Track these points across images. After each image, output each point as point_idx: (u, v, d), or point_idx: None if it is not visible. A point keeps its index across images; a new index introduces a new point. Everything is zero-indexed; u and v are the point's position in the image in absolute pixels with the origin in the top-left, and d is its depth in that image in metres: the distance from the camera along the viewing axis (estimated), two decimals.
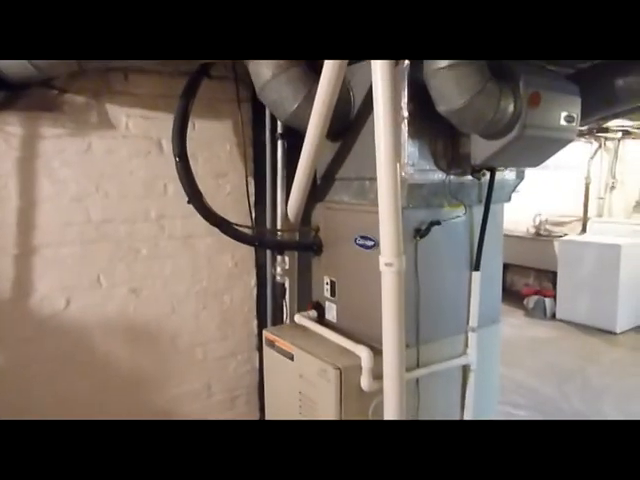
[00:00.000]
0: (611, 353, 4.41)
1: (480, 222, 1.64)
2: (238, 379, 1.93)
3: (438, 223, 1.51)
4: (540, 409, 3.37)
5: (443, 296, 1.62)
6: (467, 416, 1.73)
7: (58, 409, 1.59)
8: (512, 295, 5.88)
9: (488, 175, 1.56)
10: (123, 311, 1.67)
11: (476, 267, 1.66)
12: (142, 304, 1.70)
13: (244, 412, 1.96)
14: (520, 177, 1.75)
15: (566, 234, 5.73)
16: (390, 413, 1.40)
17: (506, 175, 1.70)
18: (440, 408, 1.68)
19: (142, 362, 1.72)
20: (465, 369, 1.70)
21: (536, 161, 1.58)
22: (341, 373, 1.40)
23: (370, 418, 1.47)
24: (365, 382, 1.42)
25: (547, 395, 3.59)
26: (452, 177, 1.52)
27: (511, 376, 3.82)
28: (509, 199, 1.75)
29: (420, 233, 1.49)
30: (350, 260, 1.62)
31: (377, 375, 1.42)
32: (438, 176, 1.49)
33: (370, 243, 1.51)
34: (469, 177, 1.55)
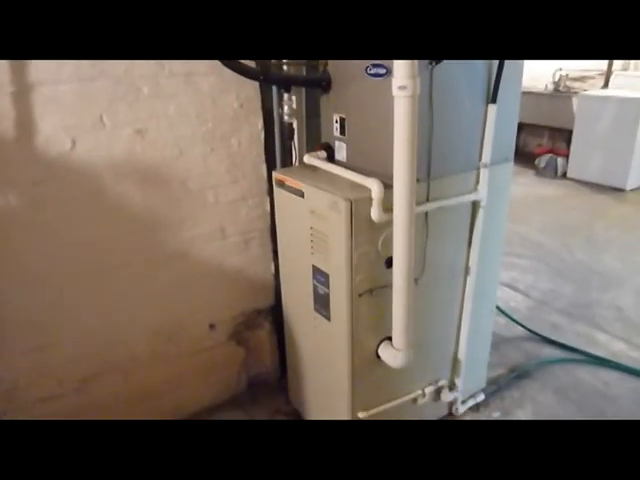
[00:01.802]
0: (618, 209, 4.45)
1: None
2: (250, 222, 1.97)
3: None
4: (543, 259, 3.50)
5: (457, 129, 1.57)
6: (473, 253, 1.78)
7: (74, 249, 1.65)
8: (524, 156, 5.79)
9: None
10: (130, 153, 1.64)
11: (493, 99, 1.58)
12: (149, 146, 1.67)
13: (258, 254, 2.03)
14: None
15: (586, 90, 5.43)
16: (399, 244, 1.43)
17: None
18: (448, 243, 1.72)
19: (154, 205, 1.74)
20: (475, 205, 1.71)
21: None
22: (352, 204, 1.41)
23: (379, 249, 1.52)
24: (375, 213, 1.43)
25: (551, 247, 3.69)
26: None
27: (516, 231, 3.91)
28: None
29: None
30: (361, 93, 1.54)
31: (387, 208, 1.43)
32: None
33: (383, 71, 1.42)
34: None
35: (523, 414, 2.07)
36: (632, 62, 5.57)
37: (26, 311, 1.62)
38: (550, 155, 5.34)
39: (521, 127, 6.00)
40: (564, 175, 5.24)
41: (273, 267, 2.07)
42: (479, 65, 1.55)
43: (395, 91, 1.26)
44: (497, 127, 1.61)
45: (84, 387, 1.80)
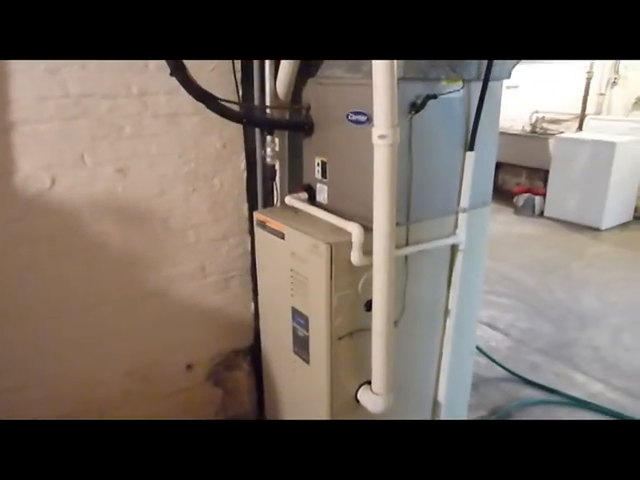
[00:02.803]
0: (595, 248, 4.54)
1: (477, 100, 1.58)
2: (231, 261, 1.96)
3: (434, 97, 1.44)
4: (522, 298, 3.53)
5: (436, 175, 1.60)
6: (453, 295, 1.80)
7: (53, 286, 1.62)
8: (503, 194, 5.92)
9: None
10: (111, 192, 1.64)
11: (470, 147, 1.63)
12: (130, 185, 1.66)
13: (238, 293, 2.01)
14: None
15: (562, 132, 5.63)
16: (379, 287, 1.43)
17: None
18: (428, 285, 1.73)
19: (134, 243, 1.73)
20: (454, 249, 1.73)
21: None
22: (332, 248, 1.42)
23: (359, 292, 1.52)
24: (355, 257, 1.44)
25: (530, 286, 3.74)
26: None
27: (496, 269, 3.96)
28: (509, 76, 1.67)
29: (415, 107, 1.43)
30: (342, 138, 1.57)
31: (367, 251, 1.44)
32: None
33: (363, 118, 1.45)
34: None
35: None
36: (605, 106, 5.80)
37: (2, 350, 1.58)
38: (528, 194, 5.47)
39: (500, 166, 6.16)
40: (542, 214, 5.37)
41: (253, 307, 2.05)
42: (457, 112, 1.60)
43: (375, 139, 1.28)
44: (475, 173, 1.65)
45: None
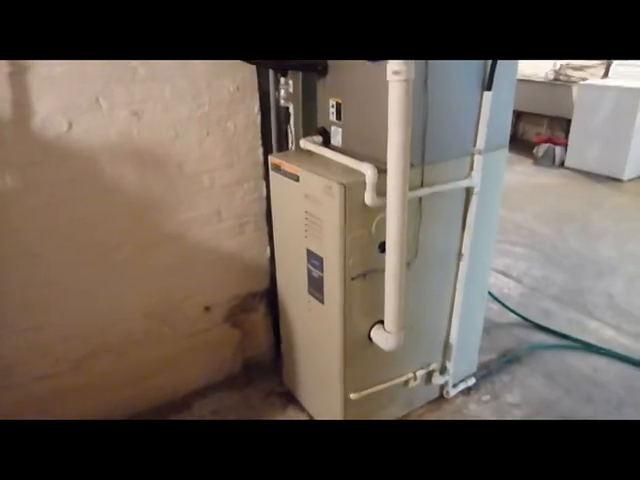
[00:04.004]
0: (615, 198, 4.46)
1: None
2: (246, 206, 1.98)
3: None
4: (537, 247, 3.52)
5: (452, 115, 1.58)
6: (466, 239, 1.80)
7: (73, 229, 1.66)
8: (523, 144, 5.78)
9: None
10: (126, 135, 1.65)
11: (488, 86, 1.59)
12: (145, 128, 1.67)
13: (253, 238, 2.04)
14: None
15: (586, 79, 5.41)
16: (392, 228, 1.45)
17: None
18: (441, 228, 1.74)
19: (151, 187, 1.75)
20: (468, 192, 1.72)
21: None
22: (345, 189, 1.43)
23: (373, 233, 1.54)
24: (369, 197, 1.45)
25: (545, 235, 3.71)
26: None
27: (511, 218, 3.93)
28: None
29: None
30: (357, 78, 1.54)
31: (381, 192, 1.44)
32: None
33: None
34: None
35: (512, 398, 2.11)
36: None
37: (21, 291, 1.64)
38: (548, 144, 5.33)
39: (520, 115, 5.99)
40: (562, 164, 5.25)
41: (268, 251, 2.09)
42: None
43: (389, 76, 1.26)
44: (492, 114, 1.62)
45: (80, 366, 1.82)
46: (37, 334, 1.71)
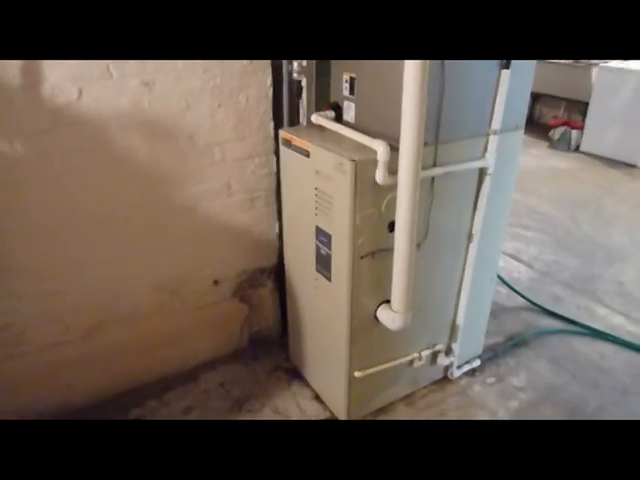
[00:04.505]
0: (630, 184, 4.39)
1: None
2: (257, 181, 1.96)
3: None
4: (549, 231, 3.48)
5: (468, 94, 1.54)
6: (477, 221, 1.78)
7: (85, 198, 1.66)
8: (539, 127, 5.68)
9: None
10: (137, 105, 1.63)
11: (506, 65, 1.55)
12: (156, 98, 1.65)
13: (263, 213, 2.04)
14: None
15: (607, 61, 5.27)
16: (402, 208, 1.43)
17: None
18: (453, 209, 1.72)
19: (161, 158, 1.74)
20: (482, 172, 1.69)
21: None
22: (356, 165, 1.41)
23: (383, 212, 1.52)
24: (380, 176, 1.43)
25: (558, 220, 3.67)
26: None
27: (524, 202, 3.88)
28: None
29: None
30: None
31: (392, 171, 1.42)
32: None
33: None
34: None
35: (517, 381, 2.11)
36: None
37: (33, 259, 1.66)
38: (565, 127, 5.23)
39: (537, 97, 5.86)
40: (577, 148, 5.16)
41: (277, 227, 2.08)
42: None
43: None
44: (509, 94, 1.58)
45: (91, 335, 1.85)
46: (48, 302, 1.73)
